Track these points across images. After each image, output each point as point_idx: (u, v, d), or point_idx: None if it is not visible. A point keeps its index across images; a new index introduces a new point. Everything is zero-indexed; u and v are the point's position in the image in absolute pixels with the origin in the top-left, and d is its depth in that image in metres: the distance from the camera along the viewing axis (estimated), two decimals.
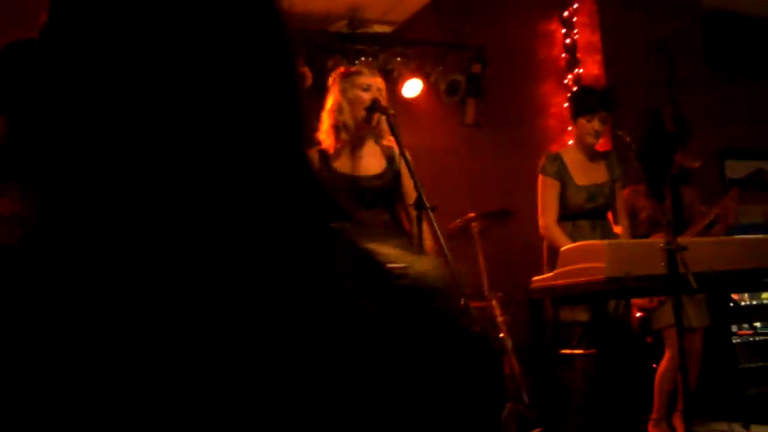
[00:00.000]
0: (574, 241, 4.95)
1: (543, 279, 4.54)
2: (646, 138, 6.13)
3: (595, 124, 5.12)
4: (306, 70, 6.79)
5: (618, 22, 8.34)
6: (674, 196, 6.03)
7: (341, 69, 4.42)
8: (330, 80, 4.41)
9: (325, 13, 7.02)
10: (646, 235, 5.60)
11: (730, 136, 8.87)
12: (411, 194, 4.09)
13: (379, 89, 4.25)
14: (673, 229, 5.98)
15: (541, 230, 5.14)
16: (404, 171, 4.08)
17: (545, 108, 8.36)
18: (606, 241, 4.19)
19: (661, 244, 3.95)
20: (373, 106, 4.12)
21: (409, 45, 7.36)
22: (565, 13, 8.48)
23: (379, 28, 7.36)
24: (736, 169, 9.28)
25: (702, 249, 4.17)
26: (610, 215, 5.34)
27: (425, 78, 7.35)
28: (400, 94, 7.23)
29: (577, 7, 8.45)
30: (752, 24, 9.30)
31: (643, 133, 6.93)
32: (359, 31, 7.21)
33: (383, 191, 4.22)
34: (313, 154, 4.26)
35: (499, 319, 5.58)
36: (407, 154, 3.97)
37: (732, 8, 9.07)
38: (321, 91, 6.91)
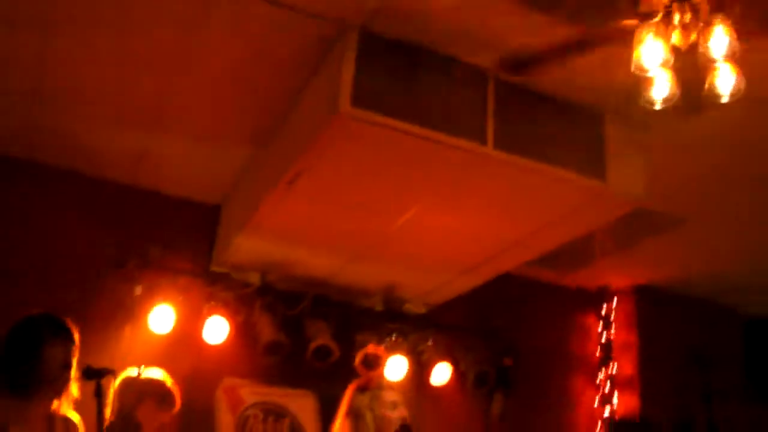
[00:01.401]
0: None
1: None
2: None
3: None
4: (333, 344, 6.61)
5: (655, 324, 8.17)
6: None
7: (358, 381, 4.17)
8: (347, 391, 4.16)
9: (361, 288, 6.91)
10: None
11: None
12: None
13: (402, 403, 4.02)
14: None
15: None
16: None
17: (575, 404, 8.08)
18: None
19: None
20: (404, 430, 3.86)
21: (440, 329, 7.18)
22: (603, 310, 8.32)
23: (412, 308, 7.21)
24: None
25: None
26: None
27: (454, 365, 7.12)
28: (428, 379, 6.99)
29: (615, 305, 8.30)
30: None
31: None
32: (392, 308, 7.06)
33: None
34: None
35: None
36: None
37: None
38: (346, 367, 6.75)
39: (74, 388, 3.66)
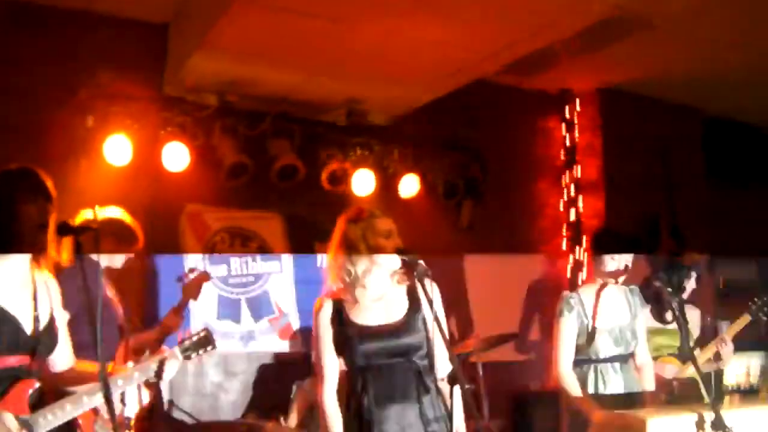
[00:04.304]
0: (597, 387, 4.64)
1: None
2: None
3: (620, 267, 4.76)
4: (298, 163, 6.43)
5: (619, 126, 8.09)
6: (681, 321, 5.74)
7: (349, 212, 3.97)
8: (338, 223, 3.96)
9: (324, 102, 6.66)
10: None
11: (721, 242, 8.63)
12: (442, 363, 3.69)
13: (395, 231, 3.85)
14: (680, 358, 5.77)
15: (555, 376, 4.75)
16: (437, 338, 3.65)
17: (540, 208, 8.07)
18: (650, 418, 3.81)
19: (705, 422, 3.63)
20: (407, 264, 3.69)
21: (406, 140, 7.00)
22: (566, 113, 8.20)
23: (376, 120, 7.00)
24: (727, 275, 9.06)
25: (743, 423, 3.84)
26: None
27: (422, 176, 6.99)
28: (396, 191, 6.87)
29: (578, 108, 8.18)
30: (751, 132, 9.13)
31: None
32: (356, 122, 6.84)
33: (407, 338, 3.78)
34: (326, 301, 3.86)
35: None
36: (440, 319, 3.54)
37: (731, 116, 8.89)
38: (312, 186, 6.58)
39: (52, 250, 3.41)
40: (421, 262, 3.59)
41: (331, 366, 3.82)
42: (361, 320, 3.80)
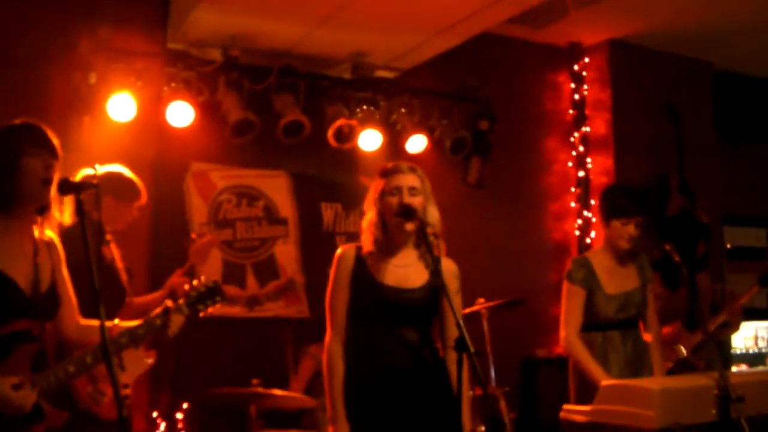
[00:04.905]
0: (605, 354, 4.57)
1: (577, 412, 4.07)
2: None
3: (630, 229, 4.64)
4: (303, 119, 6.33)
5: (629, 80, 7.97)
6: (691, 287, 5.69)
7: (381, 167, 3.88)
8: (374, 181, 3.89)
9: (328, 57, 6.55)
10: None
11: (731, 202, 8.57)
12: (451, 331, 3.62)
13: (411, 188, 3.74)
14: (689, 325, 5.73)
15: (562, 342, 4.69)
16: (445, 304, 3.58)
17: (549, 164, 7.97)
18: (658, 386, 3.74)
19: (715, 390, 3.56)
20: (404, 213, 3.61)
21: (413, 95, 6.88)
22: (575, 67, 8.08)
23: (382, 74, 6.88)
24: (736, 235, 9.01)
25: (753, 390, 3.77)
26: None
27: (429, 133, 6.88)
28: (403, 147, 6.77)
29: (587, 62, 8.06)
30: (761, 86, 9.00)
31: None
32: (362, 76, 6.71)
33: (419, 307, 3.72)
34: (350, 250, 3.80)
35: (506, 415, 5.33)
36: (448, 285, 3.47)
37: (742, 70, 8.76)
38: (318, 142, 6.49)
39: (55, 209, 3.33)
40: (431, 230, 3.53)
41: (342, 315, 3.75)
42: (380, 278, 3.72)
